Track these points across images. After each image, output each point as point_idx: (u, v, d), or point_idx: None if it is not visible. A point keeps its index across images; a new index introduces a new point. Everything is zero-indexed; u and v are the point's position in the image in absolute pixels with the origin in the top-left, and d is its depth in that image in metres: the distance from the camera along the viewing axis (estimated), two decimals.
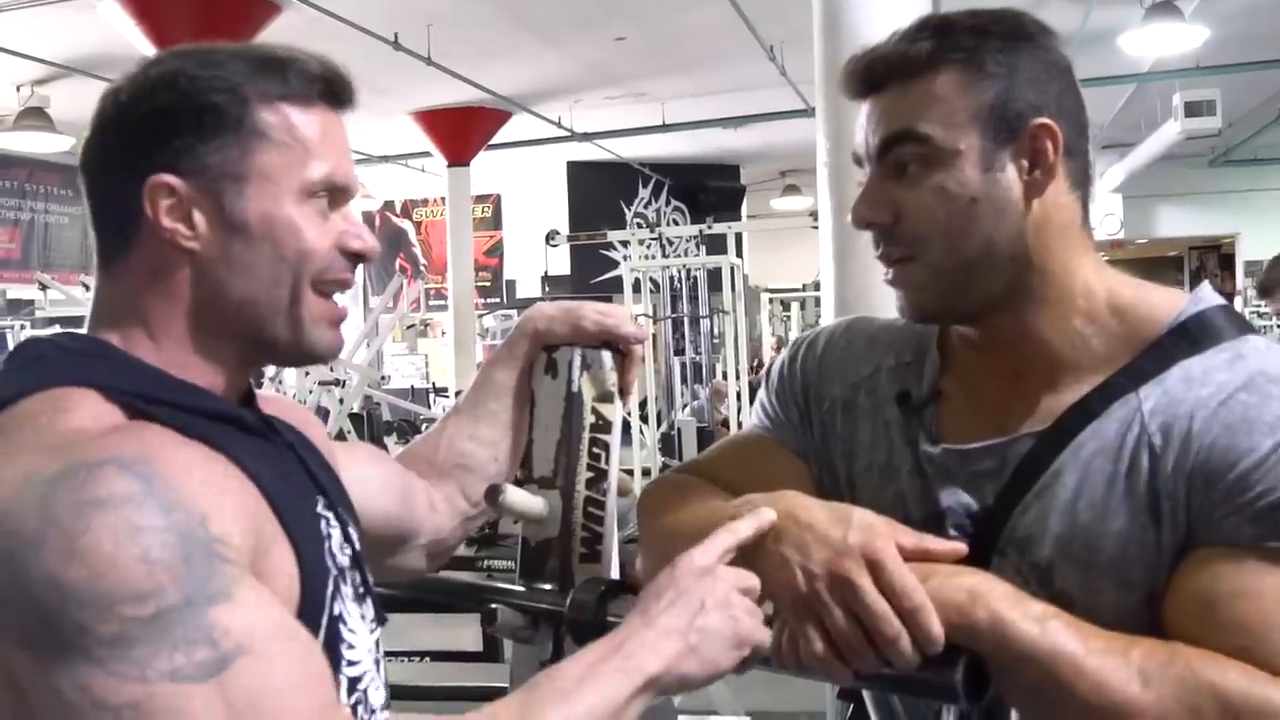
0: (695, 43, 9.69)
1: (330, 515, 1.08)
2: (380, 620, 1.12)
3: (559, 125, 12.30)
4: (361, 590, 1.09)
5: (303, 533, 0.98)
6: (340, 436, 10.15)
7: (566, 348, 1.42)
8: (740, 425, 8.70)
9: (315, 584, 0.98)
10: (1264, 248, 14.46)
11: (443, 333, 14.84)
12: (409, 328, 13.05)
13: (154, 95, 1.01)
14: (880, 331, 1.32)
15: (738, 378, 8.86)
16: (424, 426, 10.34)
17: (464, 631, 4.64)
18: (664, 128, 12.37)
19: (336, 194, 1.06)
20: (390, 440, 9.75)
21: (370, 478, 1.29)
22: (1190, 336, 1.09)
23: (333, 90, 1.06)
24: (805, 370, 1.33)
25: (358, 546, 1.11)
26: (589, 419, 1.40)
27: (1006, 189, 1.10)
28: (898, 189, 1.12)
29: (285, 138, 1.02)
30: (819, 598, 1.02)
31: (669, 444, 9.20)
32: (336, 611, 1.01)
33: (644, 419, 9.36)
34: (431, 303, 15.80)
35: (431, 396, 13.00)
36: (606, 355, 1.42)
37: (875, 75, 1.14)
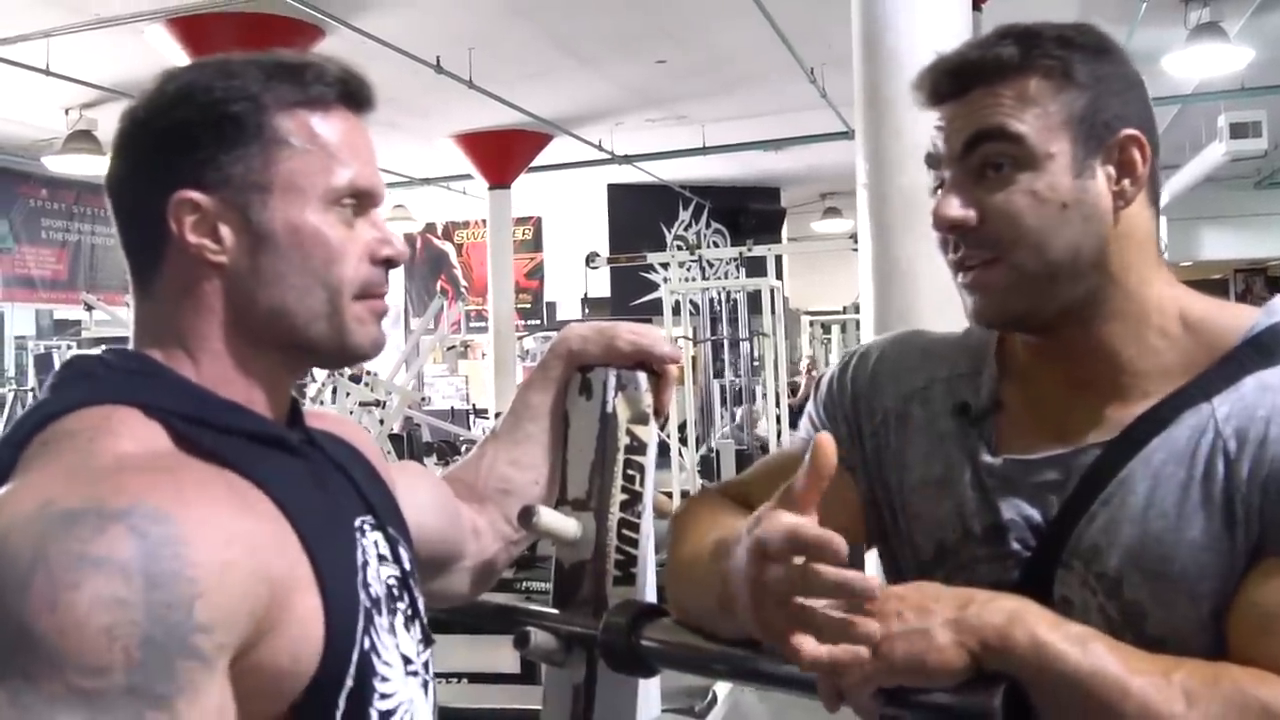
0: (736, 65, 9.70)
1: (379, 535, 1.07)
2: (428, 641, 1.12)
3: (599, 148, 12.32)
4: (410, 613, 1.09)
5: (333, 569, 0.97)
6: None
7: (601, 369, 1.41)
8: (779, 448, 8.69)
9: (343, 624, 0.97)
10: None
11: (483, 354, 14.88)
12: (449, 349, 13.10)
13: (172, 110, 1.00)
14: (933, 344, 1.31)
15: (778, 401, 8.83)
16: (464, 447, 10.36)
17: (501, 653, 4.62)
18: (704, 150, 12.37)
19: (362, 200, 1.05)
20: (430, 461, 9.75)
21: (422, 496, 1.28)
22: (1264, 348, 1.08)
23: (351, 93, 1.05)
24: (855, 382, 1.31)
25: (408, 566, 1.11)
26: (624, 440, 1.39)
27: (1096, 197, 1.10)
28: (981, 190, 1.11)
29: (307, 144, 1.01)
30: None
31: (708, 466, 9.18)
32: (368, 646, 0.99)
33: (683, 441, 9.34)
34: (472, 324, 15.85)
35: (471, 418, 13.02)
36: (641, 376, 1.40)
37: (962, 77, 1.12)
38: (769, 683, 1.15)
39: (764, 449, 9.05)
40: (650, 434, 1.40)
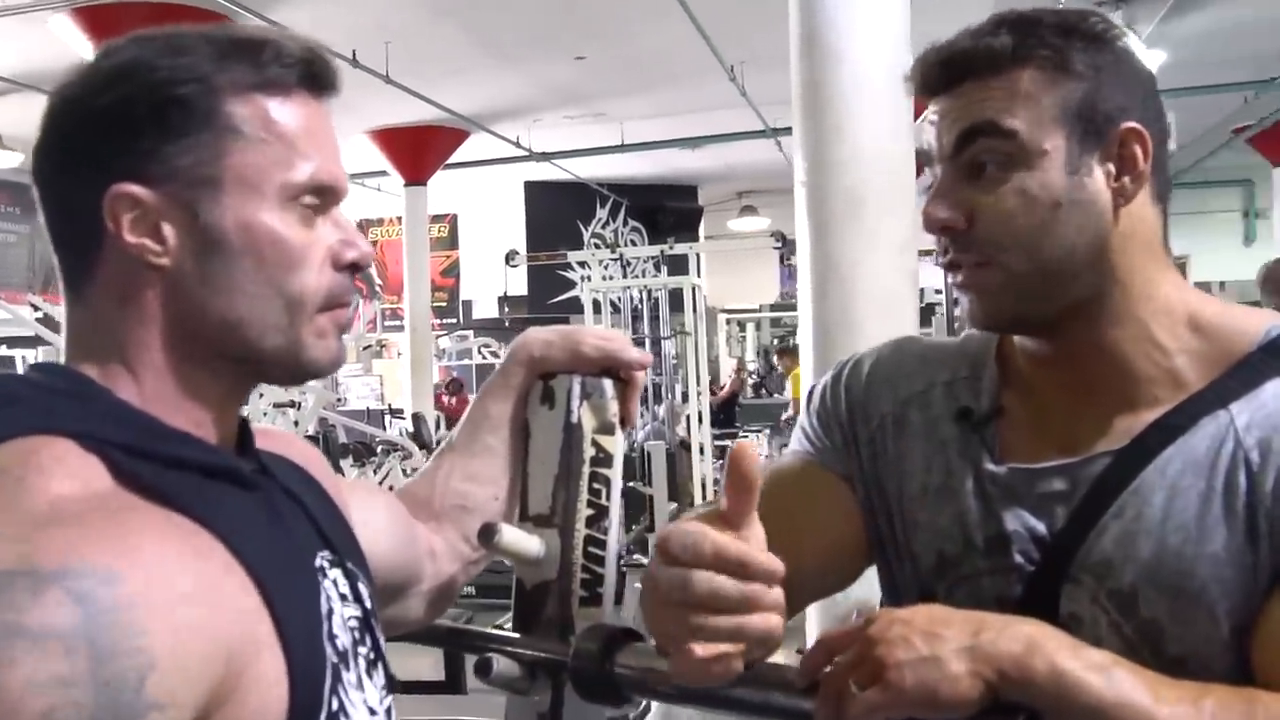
0: (655, 62, 9.66)
1: (338, 573, 0.97)
2: (391, 686, 1.02)
3: (517, 145, 12.23)
4: (372, 657, 0.98)
5: (297, 624, 0.86)
6: None
7: (565, 376, 1.32)
8: (701, 448, 8.66)
9: (309, 684, 0.86)
10: (1215, 269, 14.65)
11: (399, 354, 14.67)
12: (365, 349, 12.87)
13: (110, 89, 0.87)
14: (931, 349, 1.25)
15: (698, 399, 8.79)
16: (380, 449, 10.20)
17: (423, 661, 4.52)
18: (622, 148, 12.34)
19: (324, 196, 0.93)
20: (346, 463, 9.59)
21: (375, 520, 1.18)
22: None
23: (314, 75, 0.93)
24: (850, 389, 1.25)
25: (369, 605, 1.01)
26: (589, 452, 1.30)
27: (1093, 195, 1.04)
28: (973, 190, 1.05)
29: (263, 133, 0.89)
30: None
31: (630, 466, 9.11)
32: (335, 706, 0.89)
33: None
34: (387, 323, 15.63)
35: (387, 418, 12.84)
36: (607, 383, 1.32)
37: (953, 70, 1.07)
38: (756, 713, 1.08)
39: (684, 446, 9.00)
40: (617, 445, 1.32)
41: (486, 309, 15.44)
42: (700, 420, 8.76)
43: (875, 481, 1.21)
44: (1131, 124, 1.04)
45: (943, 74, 1.08)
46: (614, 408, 1.32)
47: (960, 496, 1.13)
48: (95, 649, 0.70)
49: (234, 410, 0.96)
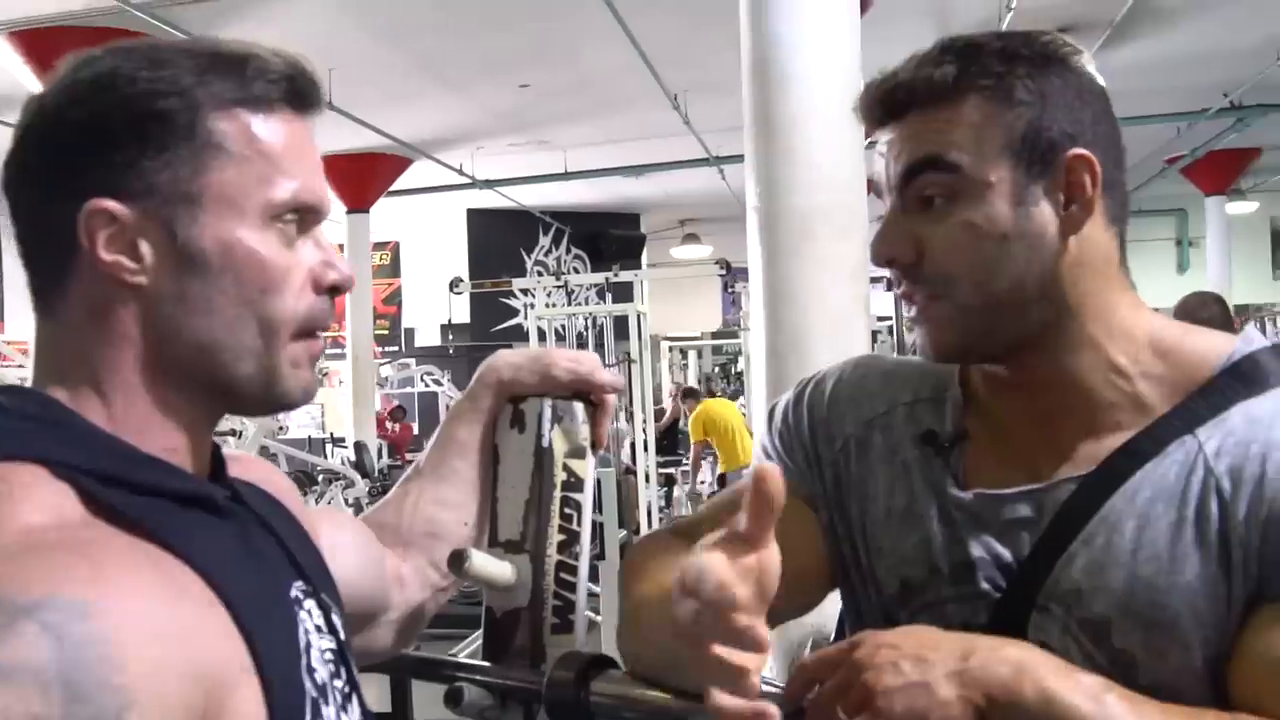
0: (599, 90, 9.67)
1: (313, 603, 0.94)
2: (366, 717, 0.99)
3: (460, 172, 12.19)
4: (347, 690, 0.95)
5: (275, 657, 0.83)
6: None
7: (535, 399, 1.30)
8: (647, 475, 8.65)
9: (289, 718, 0.84)
10: (1150, 296, 14.74)
11: (340, 382, 14.53)
12: None
13: (87, 101, 0.85)
14: (896, 368, 1.24)
15: (644, 427, 8.78)
16: (320, 477, 10.08)
17: (368, 689, 4.44)
18: (565, 175, 12.35)
19: (306, 216, 0.91)
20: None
21: (343, 547, 1.15)
22: (1245, 378, 1.02)
23: (298, 92, 0.91)
24: (813, 409, 1.23)
25: (342, 636, 0.98)
26: (560, 476, 1.29)
27: (1041, 225, 1.02)
28: (921, 223, 1.04)
29: (245, 150, 0.87)
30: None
31: None
32: None
33: None
34: (329, 351, 15.47)
35: (329, 447, 12.70)
36: (579, 406, 1.30)
37: (896, 102, 1.05)
38: None
39: (629, 472, 8.99)
40: (588, 469, 1.30)
41: (429, 337, 15.33)
42: (646, 447, 8.74)
43: (838, 504, 1.19)
44: (1078, 151, 1.02)
45: (887, 106, 1.07)
46: (585, 431, 1.30)
47: (924, 522, 1.12)
48: (70, 686, 0.67)
49: (207, 435, 0.93)
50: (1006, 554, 1.06)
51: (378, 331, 14.28)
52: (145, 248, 0.85)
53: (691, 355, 17.81)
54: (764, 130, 3.83)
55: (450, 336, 14.01)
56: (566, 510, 1.28)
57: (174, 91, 0.85)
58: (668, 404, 14.35)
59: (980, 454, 1.12)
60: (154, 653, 0.72)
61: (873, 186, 1.11)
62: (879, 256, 1.07)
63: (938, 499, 1.11)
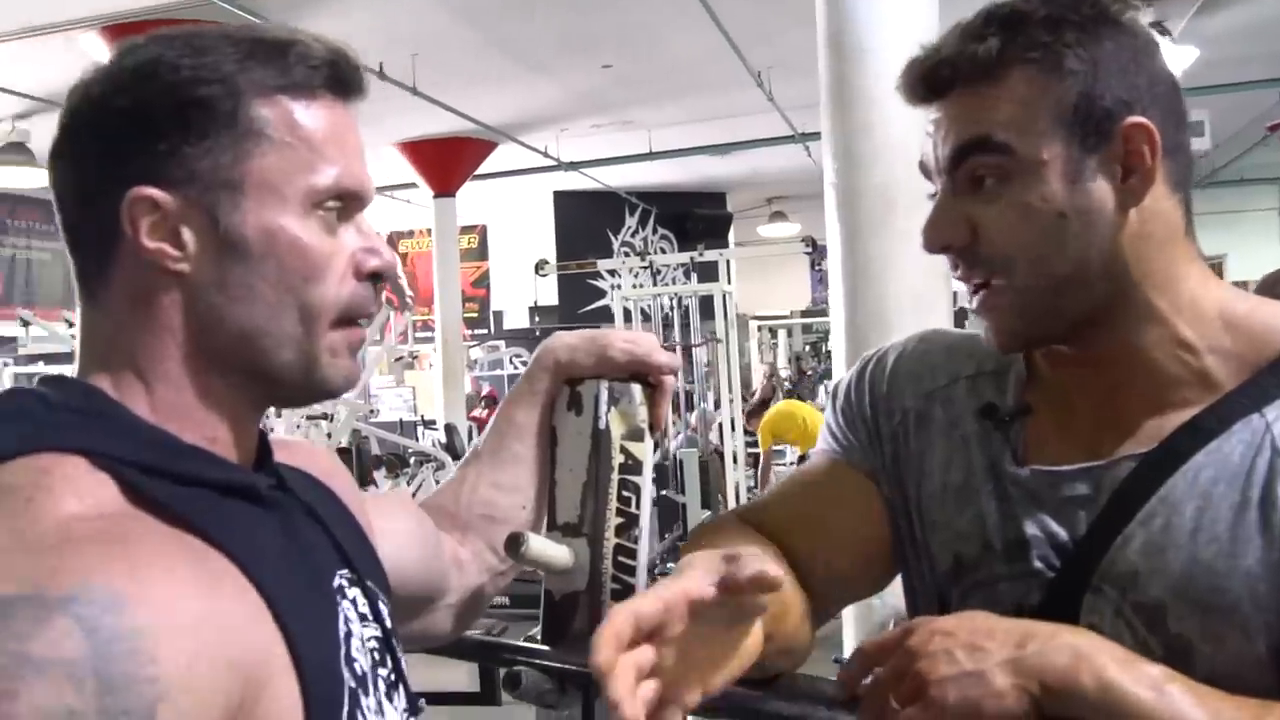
0: (682, 70, 9.62)
1: (358, 591, 0.94)
2: (414, 709, 0.99)
3: (545, 154, 12.21)
4: (393, 679, 0.95)
5: (313, 649, 0.84)
6: None
7: (592, 381, 1.29)
8: (734, 455, 8.62)
9: (326, 710, 0.84)
10: (1251, 268, 14.45)
11: (430, 365, 14.69)
12: (396, 360, 12.89)
13: (130, 89, 0.85)
14: (959, 341, 1.21)
15: (730, 406, 8.75)
16: (413, 460, 10.20)
17: (457, 673, 4.49)
18: (650, 156, 12.31)
19: (348, 202, 0.91)
20: (380, 474, 9.59)
21: (400, 532, 1.15)
22: None
23: (340, 78, 0.91)
24: (874, 384, 1.21)
25: (389, 624, 0.98)
26: (618, 459, 1.27)
27: (1098, 200, 0.98)
28: (974, 205, 1.01)
29: (287, 137, 0.87)
30: None
31: (663, 474, 9.06)
32: None
33: None
34: (419, 335, 15.65)
35: (420, 429, 12.84)
36: (636, 388, 1.29)
37: (939, 79, 1.02)
38: None
39: (719, 455, 8.96)
40: (646, 451, 1.29)
41: (518, 319, 15.42)
42: (733, 428, 8.71)
43: (897, 479, 1.17)
44: (1135, 119, 0.98)
45: (930, 84, 1.03)
46: (643, 413, 1.29)
47: (979, 497, 1.09)
48: (103, 679, 0.68)
49: (251, 424, 0.93)
50: (1062, 533, 1.03)
51: (467, 315, 14.41)
52: (188, 235, 0.86)
53: (781, 334, 17.71)
54: (841, 105, 3.78)
55: (537, 319, 14.06)
56: (624, 493, 1.27)
57: (216, 79, 0.85)
58: (757, 385, 14.30)
59: (1041, 429, 1.09)
60: (187, 645, 0.72)
61: (922, 170, 1.07)
62: (932, 244, 1.04)
63: (994, 474, 1.09)
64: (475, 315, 15.88)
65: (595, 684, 1.16)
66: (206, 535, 0.80)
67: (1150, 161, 0.98)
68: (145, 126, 0.85)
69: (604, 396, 1.28)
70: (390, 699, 0.94)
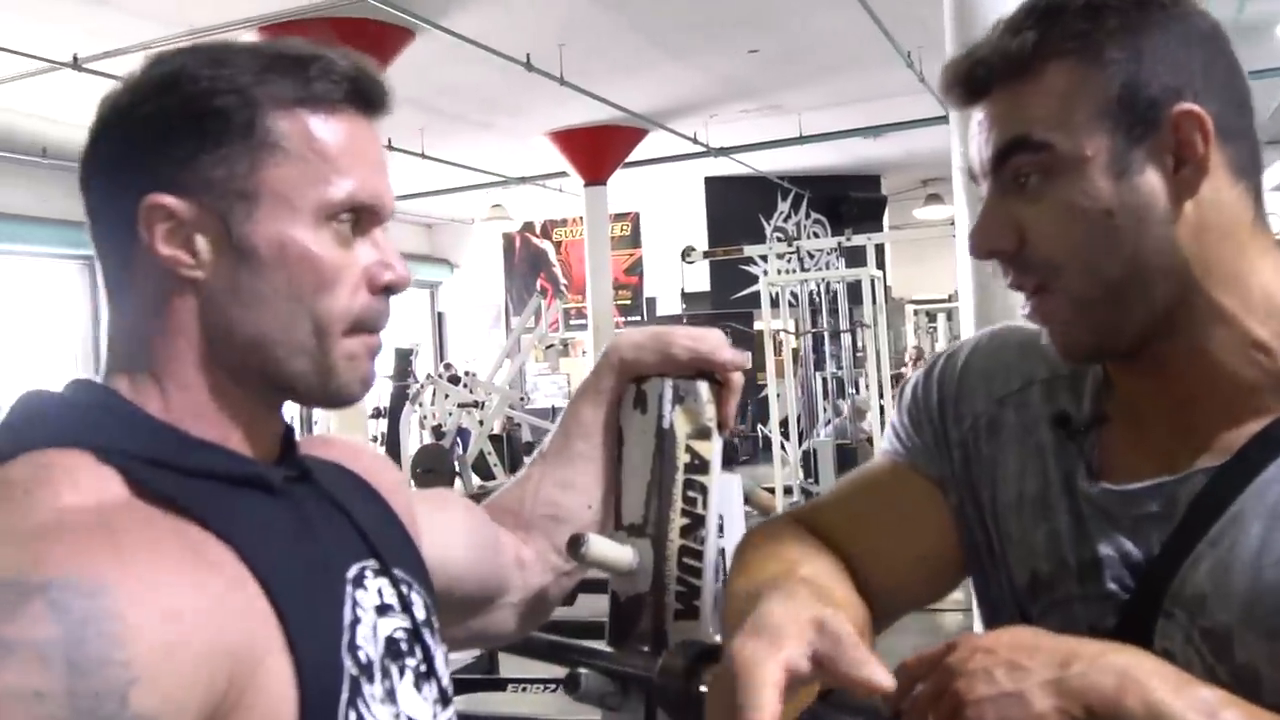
0: (830, 51, 9.49)
1: (383, 582, 0.95)
2: (445, 700, 0.99)
3: (695, 141, 12.20)
4: (424, 669, 0.96)
5: (309, 633, 0.84)
6: (480, 457, 10.22)
7: (657, 379, 1.27)
8: None
9: (322, 698, 0.84)
10: None
11: (584, 352, 14.83)
12: (549, 348, 13.05)
13: (152, 99, 0.87)
14: (1032, 340, 1.13)
15: (881, 393, 8.63)
16: None
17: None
18: (800, 139, 12.17)
19: (363, 216, 0.92)
20: (529, 460, 9.74)
21: (453, 529, 1.16)
22: None
23: (361, 93, 0.92)
24: (943, 385, 1.16)
25: (422, 614, 0.98)
26: (683, 458, 1.25)
27: (1149, 195, 0.92)
28: (1020, 207, 0.96)
29: (302, 149, 0.88)
30: None
31: (809, 462, 9.00)
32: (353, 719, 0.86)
33: (785, 436, 9.19)
34: (572, 322, 15.82)
35: None
36: (702, 386, 1.26)
37: (977, 79, 0.97)
38: None
39: (870, 442, 8.85)
40: (714, 450, 1.26)
41: (670, 306, 15.45)
42: (882, 414, 8.58)
43: (969, 486, 1.11)
44: (1184, 106, 0.91)
45: (969, 85, 0.98)
46: (710, 411, 1.26)
47: (1054, 513, 1.03)
48: (73, 662, 0.69)
49: (268, 423, 0.95)
50: (1136, 553, 0.97)
51: (620, 301, 14.50)
52: (201, 242, 0.87)
53: (940, 318, 17.36)
54: None
55: (686, 305, 14.06)
56: (690, 493, 1.25)
57: (232, 90, 0.87)
58: (908, 372, 14.07)
59: (1116, 439, 1.02)
60: (166, 630, 0.73)
61: (969, 172, 1.02)
62: (979, 250, 0.99)
63: (1069, 489, 1.03)
64: (629, 302, 15.96)
65: (656, 688, 1.15)
66: (207, 522, 0.81)
67: (1203, 149, 0.91)
68: (164, 135, 0.87)
69: (668, 395, 1.26)
70: (419, 689, 0.94)
